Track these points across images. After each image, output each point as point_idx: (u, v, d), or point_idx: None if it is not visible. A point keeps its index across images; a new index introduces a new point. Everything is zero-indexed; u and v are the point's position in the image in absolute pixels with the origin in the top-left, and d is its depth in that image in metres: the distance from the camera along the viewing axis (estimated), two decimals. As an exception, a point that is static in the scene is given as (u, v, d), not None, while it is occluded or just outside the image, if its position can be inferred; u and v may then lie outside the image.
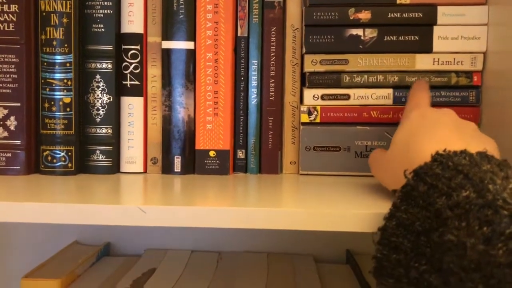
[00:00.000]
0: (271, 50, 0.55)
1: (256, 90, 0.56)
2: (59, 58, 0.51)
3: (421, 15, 0.53)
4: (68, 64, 0.51)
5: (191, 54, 0.54)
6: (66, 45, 0.51)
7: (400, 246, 0.32)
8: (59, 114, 0.52)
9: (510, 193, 0.29)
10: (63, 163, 0.52)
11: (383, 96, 0.54)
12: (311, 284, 0.58)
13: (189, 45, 0.54)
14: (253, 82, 0.56)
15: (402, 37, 0.53)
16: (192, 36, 0.54)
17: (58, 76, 0.51)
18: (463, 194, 0.30)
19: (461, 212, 0.29)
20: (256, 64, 0.55)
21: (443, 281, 0.29)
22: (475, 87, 0.54)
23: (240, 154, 0.56)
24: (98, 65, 0.53)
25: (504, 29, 0.50)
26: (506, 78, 0.49)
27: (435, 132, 0.37)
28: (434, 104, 0.53)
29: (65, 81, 0.51)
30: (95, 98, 0.54)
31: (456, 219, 0.29)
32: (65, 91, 0.52)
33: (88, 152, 0.54)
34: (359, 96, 0.54)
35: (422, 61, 0.53)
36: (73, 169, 0.53)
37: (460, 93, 0.53)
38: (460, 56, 0.53)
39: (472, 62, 0.53)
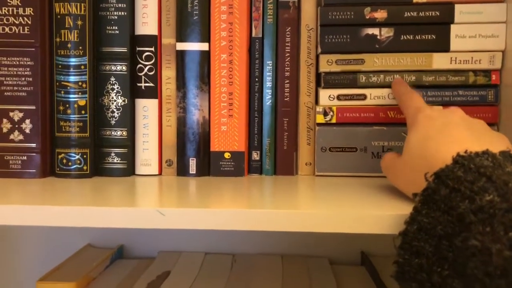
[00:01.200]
0: (286, 50, 0.55)
1: (270, 91, 0.55)
2: (73, 61, 0.51)
3: (438, 14, 0.52)
4: (82, 67, 0.51)
5: (205, 56, 0.54)
6: (80, 48, 0.51)
7: (422, 250, 0.31)
8: (74, 117, 0.52)
9: None
10: (78, 166, 0.52)
11: (400, 96, 0.53)
12: (327, 286, 0.57)
13: (204, 46, 0.53)
14: (268, 83, 0.55)
15: (419, 36, 0.52)
16: (206, 37, 0.53)
17: (72, 78, 0.51)
18: (487, 198, 0.29)
19: (485, 217, 0.28)
20: (270, 64, 0.55)
21: (465, 286, 0.29)
22: (493, 86, 0.53)
23: (255, 155, 0.56)
24: (112, 67, 0.53)
25: (523, 26, 0.49)
26: (525, 77, 0.48)
27: (449, 133, 0.37)
28: (453, 104, 0.53)
29: (80, 83, 0.51)
30: (110, 101, 0.53)
31: (480, 224, 0.28)
32: (80, 93, 0.51)
33: (103, 154, 0.54)
34: (375, 96, 0.54)
35: (439, 60, 0.52)
36: (88, 172, 0.52)
37: (478, 92, 0.53)
38: (478, 54, 0.52)
39: (490, 60, 0.52)
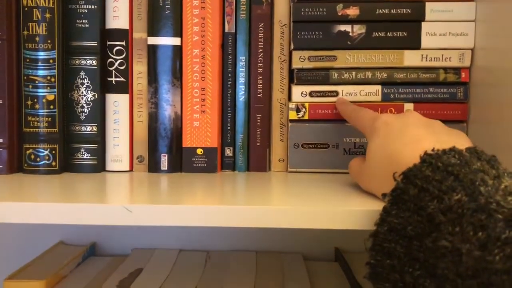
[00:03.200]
0: (259, 46, 0.55)
1: (244, 87, 0.55)
2: (42, 55, 0.50)
3: (409, 11, 0.52)
4: (51, 61, 0.50)
5: (177, 50, 0.53)
6: (49, 41, 0.50)
7: (393, 251, 0.31)
8: (43, 112, 0.51)
9: (503, 194, 0.29)
10: (47, 161, 0.51)
11: (372, 92, 0.54)
12: (300, 282, 0.57)
13: (176, 41, 0.53)
14: (241, 79, 0.55)
15: (390, 33, 0.53)
16: (178, 32, 0.53)
17: (41, 73, 0.50)
18: (455, 197, 0.29)
19: (454, 217, 0.28)
20: (243, 60, 0.55)
21: (437, 286, 0.29)
22: (463, 84, 0.54)
23: (228, 151, 0.56)
24: (82, 62, 0.52)
25: (491, 25, 0.50)
26: (493, 75, 0.49)
27: (408, 134, 0.37)
28: (423, 101, 0.54)
29: (49, 78, 0.50)
30: (80, 95, 0.53)
31: (449, 224, 0.28)
32: (48, 88, 0.50)
33: (72, 150, 0.53)
34: (347, 93, 0.54)
35: (410, 58, 0.53)
36: (57, 168, 0.51)
37: (448, 89, 0.53)
38: (448, 52, 0.53)
39: (460, 58, 0.53)
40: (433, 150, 0.33)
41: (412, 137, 0.37)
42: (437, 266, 0.28)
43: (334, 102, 0.54)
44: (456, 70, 0.53)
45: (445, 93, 0.53)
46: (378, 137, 0.39)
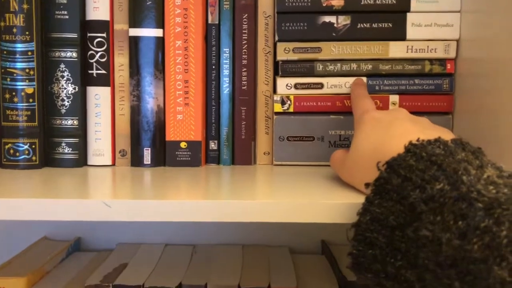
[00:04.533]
0: (243, 38, 0.54)
1: (228, 79, 0.54)
2: (20, 47, 0.49)
3: (395, 2, 0.52)
4: (30, 53, 0.49)
5: (159, 42, 0.52)
6: (27, 33, 0.49)
7: (375, 241, 0.31)
8: (22, 105, 0.49)
9: (485, 183, 0.28)
10: (26, 156, 0.50)
11: (357, 84, 0.53)
12: (286, 275, 0.57)
13: (158, 32, 0.52)
14: (225, 71, 0.54)
15: (376, 24, 0.52)
16: (161, 23, 0.52)
17: (19, 65, 0.49)
18: (437, 186, 0.29)
19: (435, 206, 0.28)
20: (227, 52, 0.54)
21: (418, 277, 0.28)
22: (448, 75, 0.53)
23: (213, 145, 0.55)
24: (62, 54, 0.51)
25: (477, 16, 0.49)
26: (479, 66, 0.49)
27: (394, 128, 0.37)
28: (409, 93, 0.53)
29: (27, 70, 0.49)
30: (60, 88, 0.51)
31: (430, 213, 0.28)
32: (27, 81, 0.49)
33: (53, 144, 0.52)
34: (332, 85, 0.53)
35: (396, 49, 0.52)
36: (37, 162, 0.50)
37: (434, 81, 0.53)
38: (434, 43, 0.52)
39: (445, 49, 0.52)
40: (418, 140, 0.33)
41: (399, 130, 0.36)
42: (418, 256, 0.28)
43: (319, 94, 0.53)
44: (442, 62, 0.53)
45: (430, 84, 0.53)
46: (365, 130, 0.39)
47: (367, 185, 0.33)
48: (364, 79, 0.53)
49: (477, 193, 0.27)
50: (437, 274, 0.27)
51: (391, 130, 0.37)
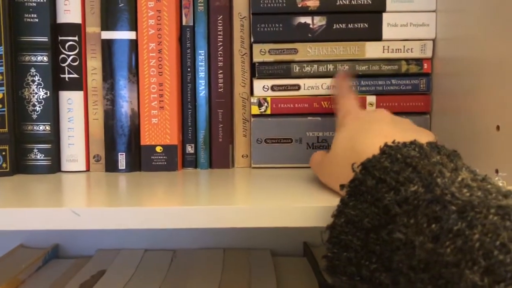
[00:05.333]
0: (219, 39, 0.53)
1: (204, 81, 0.53)
2: (-12, 51, 0.47)
3: (370, 2, 0.51)
4: (-2, 57, 0.48)
5: (133, 45, 0.51)
6: (-5, 37, 0.47)
7: (350, 244, 0.30)
8: (-9, 111, 0.48)
9: (459, 186, 0.28)
10: (-3, 163, 0.49)
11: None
12: (266, 278, 0.56)
13: (131, 35, 0.51)
14: (201, 73, 0.53)
15: (351, 24, 0.52)
16: (133, 26, 0.51)
17: (-12, 70, 0.48)
18: (411, 189, 0.28)
19: (409, 209, 0.28)
20: (203, 54, 0.53)
21: (392, 280, 0.28)
22: (425, 75, 0.53)
23: (190, 148, 0.54)
24: (32, 58, 0.50)
25: (452, 15, 0.49)
26: (455, 65, 0.49)
27: (373, 128, 0.37)
28: (386, 93, 0.53)
29: (-4, 75, 0.48)
30: (31, 93, 0.50)
31: (404, 216, 0.28)
32: (-4, 86, 0.48)
33: (25, 151, 0.51)
34: (309, 87, 0.53)
35: (372, 49, 0.52)
36: (8, 169, 0.49)
37: (410, 81, 0.53)
38: (410, 43, 0.52)
39: (421, 49, 0.52)
40: (393, 142, 0.33)
41: (378, 131, 0.36)
42: (392, 259, 0.28)
43: (297, 96, 0.53)
44: (418, 61, 0.53)
45: (407, 84, 0.53)
46: (344, 130, 0.39)
47: (342, 186, 0.33)
48: (341, 80, 0.53)
49: (451, 196, 0.27)
50: (411, 278, 0.27)
51: (370, 131, 0.36)
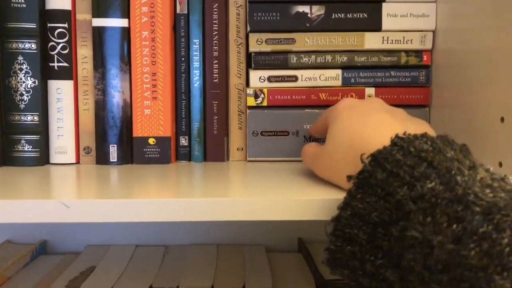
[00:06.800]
0: (214, 28, 0.52)
1: (198, 71, 0.52)
2: (-27, 37, 0.45)
3: (370, -9, 0.50)
4: (-16, 44, 0.46)
5: (125, 33, 0.49)
6: (-19, 22, 0.45)
7: (355, 237, 0.29)
8: (-24, 100, 0.46)
9: (481, 186, 0.27)
10: (-18, 155, 0.47)
11: (332, 77, 0.52)
12: (261, 274, 0.55)
13: (124, 22, 0.49)
14: (195, 63, 0.52)
15: (351, 14, 0.50)
16: (126, 13, 0.49)
17: (-27, 57, 0.46)
18: (428, 185, 0.27)
19: (426, 206, 0.26)
20: (197, 43, 0.51)
21: (400, 277, 0.27)
22: (425, 67, 0.52)
23: (183, 141, 0.53)
24: (20, 45, 0.48)
25: (453, 6, 0.48)
26: (455, 58, 0.48)
27: (372, 117, 0.35)
28: (385, 85, 0.52)
29: (-18, 63, 0.46)
30: (18, 82, 0.48)
31: (420, 213, 0.26)
32: (-18, 74, 0.46)
33: (12, 142, 0.49)
34: (307, 78, 0.51)
35: (371, 40, 0.51)
36: (-6, 161, 0.47)
37: (410, 73, 0.52)
38: (410, 34, 0.51)
39: (421, 40, 0.51)
40: (404, 133, 0.31)
41: (377, 121, 0.35)
42: (403, 257, 0.27)
43: (294, 87, 0.51)
44: (418, 53, 0.52)
45: (406, 76, 0.52)
46: (341, 120, 0.37)
47: (349, 177, 0.31)
48: (339, 71, 0.52)
49: (474, 196, 0.26)
50: (424, 277, 0.26)
51: (368, 120, 0.35)
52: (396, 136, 0.31)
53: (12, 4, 0.47)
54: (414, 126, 0.34)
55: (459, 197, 0.26)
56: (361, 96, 0.51)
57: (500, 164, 0.39)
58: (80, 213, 0.34)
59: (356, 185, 0.30)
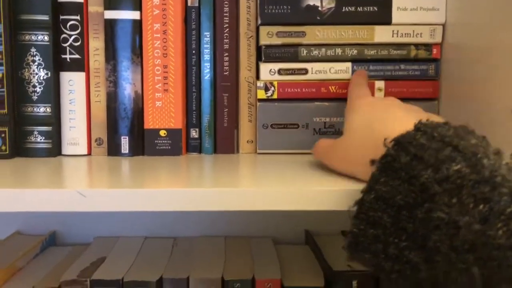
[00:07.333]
0: (224, 21, 0.52)
1: (209, 64, 0.52)
2: (-14, 29, 0.46)
3: (380, -15, 0.50)
4: (-3, 36, 0.46)
5: (137, 25, 0.50)
6: (-6, 14, 0.46)
7: (379, 220, 0.30)
8: (-10, 92, 0.47)
9: (507, 169, 0.27)
10: (-5, 146, 0.47)
11: (342, 70, 0.52)
12: (270, 266, 0.56)
13: (135, 15, 0.49)
14: (206, 55, 0.52)
15: (361, 7, 0.51)
16: (138, 5, 0.49)
17: (-14, 49, 0.46)
18: (454, 167, 0.27)
19: (451, 187, 0.27)
20: (208, 36, 0.52)
21: (425, 259, 0.27)
22: (434, 60, 0.52)
23: (194, 133, 0.53)
24: (33, 37, 0.48)
25: (463, 0, 0.48)
26: (465, 51, 0.48)
27: (393, 113, 0.36)
28: (395, 78, 0.52)
29: (-5, 54, 0.46)
30: (31, 74, 0.49)
31: (445, 195, 0.27)
32: (-5, 65, 0.46)
33: (25, 133, 0.49)
34: (317, 71, 0.52)
35: (381, 33, 0.51)
36: (7, 152, 0.48)
37: (419, 66, 0.52)
38: (419, 28, 0.51)
39: (431, 34, 0.51)
40: (427, 120, 0.32)
41: (397, 114, 0.36)
42: (429, 238, 0.27)
43: (304, 80, 0.52)
44: (427, 47, 0.52)
45: (416, 70, 0.52)
46: (360, 115, 0.38)
47: (372, 161, 0.32)
48: (349, 64, 0.52)
49: (502, 178, 0.26)
50: (451, 257, 0.26)
51: (390, 113, 0.36)
52: (419, 122, 0.31)
53: (25, -4, 0.48)
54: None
55: (486, 178, 0.26)
56: (370, 88, 0.51)
57: (511, 157, 0.40)
58: (96, 202, 0.35)
59: (379, 169, 0.31)
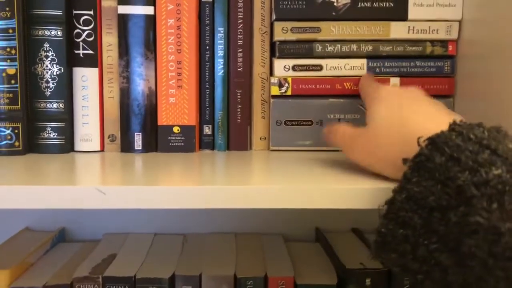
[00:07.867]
0: (239, 16, 0.51)
1: (222, 60, 0.52)
2: (0, 23, 0.45)
3: (396, -20, 0.50)
4: (10, 30, 0.46)
5: (150, 20, 0.49)
6: (7, 9, 0.45)
7: (409, 221, 0.29)
8: (3, 87, 0.46)
9: None
10: (9, 141, 0.47)
11: (357, 66, 0.51)
12: (282, 264, 0.55)
13: (149, 10, 0.49)
14: (220, 51, 0.52)
15: (377, 3, 0.50)
16: (151, 0, 0.49)
17: (0, 44, 0.45)
18: (495, 172, 0.27)
19: (492, 192, 0.26)
20: (222, 32, 0.51)
21: (456, 262, 0.27)
22: (450, 57, 0.52)
23: (207, 129, 0.53)
24: (46, 32, 0.48)
25: (480, -4, 0.48)
26: (481, 48, 0.47)
27: (420, 104, 0.35)
28: (410, 75, 0.52)
29: (8, 49, 0.46)
30: (44, 69, 0.48)
31: (484, 200, 0.26)
32: (8, 61, 0.46)
33: (37, 129, 0.49)
34: (332, 67, 0.51)
35: (397, 30, 0.51)
36: (20, 148, 0.47)
37: (435, 63, 0.52)
38: (436, 24, 0.51)
39: (447, 30, 0.51)
40: (461, 121, 0.31)
41: (428, 109, 0.35)
42: (463, 242, 0.27)
43: (318, 76, 0.51)
44: (443, 43, 0.51)
45: (432, 66, 0.52)
46: (385, 103, 0.37)
47: (405, 160, 0.31)
48: (364, 61, 0.51)
49: None
50: (487, 263, 0.26)
51: (419, 108, 0.35)
52: (454, 122, 0.31)
53: (38, -9, 0.47)
54: (457, 118, 0.34)
55: None
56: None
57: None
58: (114, 199, 0.34)
59: (411, 168, 0.30)
